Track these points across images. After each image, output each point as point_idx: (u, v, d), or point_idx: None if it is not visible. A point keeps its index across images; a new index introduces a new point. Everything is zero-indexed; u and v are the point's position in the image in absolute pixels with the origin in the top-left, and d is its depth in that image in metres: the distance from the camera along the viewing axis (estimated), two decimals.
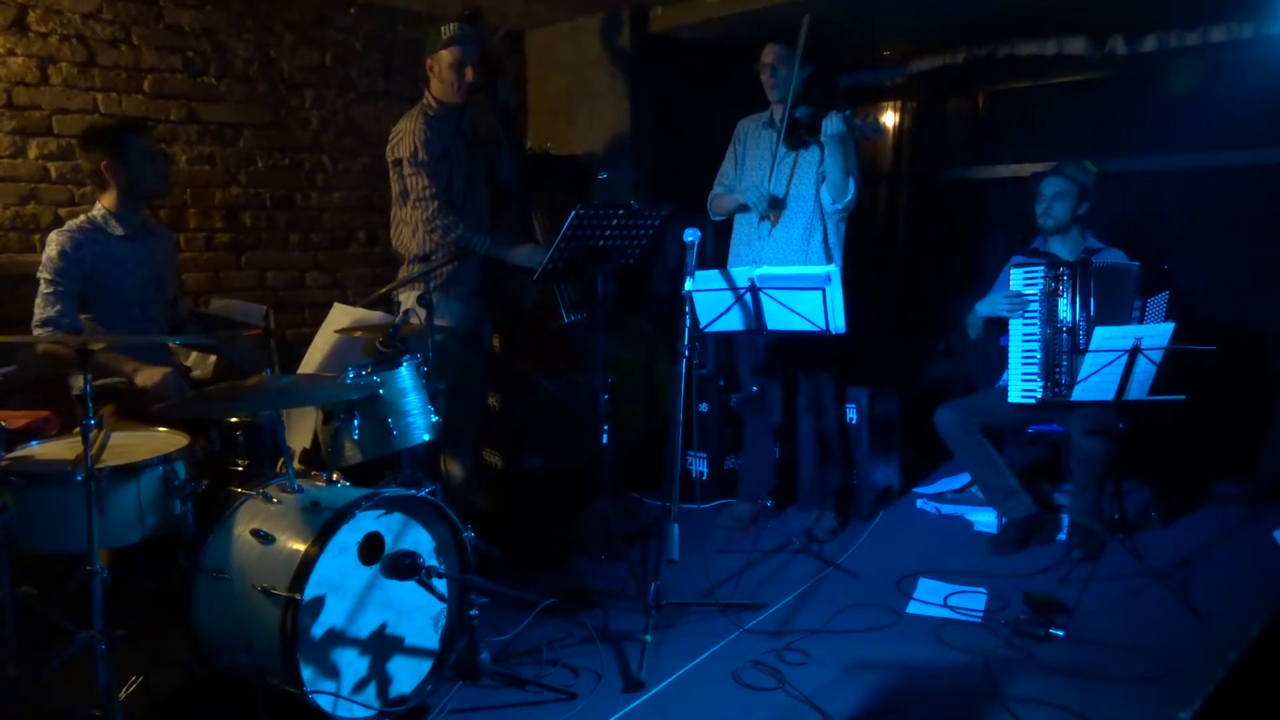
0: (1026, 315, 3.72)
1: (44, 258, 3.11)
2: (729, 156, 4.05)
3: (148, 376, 3.06)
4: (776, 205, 3.84)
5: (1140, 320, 3.60)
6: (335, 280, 4.73)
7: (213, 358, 3.53)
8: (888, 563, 3.68)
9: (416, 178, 3.61)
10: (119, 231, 3.22)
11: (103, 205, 3.23)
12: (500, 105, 4.11)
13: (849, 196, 3.74)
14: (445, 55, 3.65)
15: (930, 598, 3.34)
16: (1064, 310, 3.68)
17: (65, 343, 2.68)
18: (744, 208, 3.92)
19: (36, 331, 3.03)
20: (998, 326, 3.88)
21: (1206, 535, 3.91)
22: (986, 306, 3.86)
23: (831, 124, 3.57)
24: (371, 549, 2.48)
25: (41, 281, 3.09)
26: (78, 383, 3.18)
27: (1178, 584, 3.36)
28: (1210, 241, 4.85)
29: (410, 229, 3.72)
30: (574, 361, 4.19)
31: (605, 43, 5.02)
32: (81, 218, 3.21)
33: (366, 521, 2.48)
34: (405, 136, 3.63)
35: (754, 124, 3.99)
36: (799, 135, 3.74)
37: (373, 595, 2.49)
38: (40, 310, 3.07)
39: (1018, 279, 3.76)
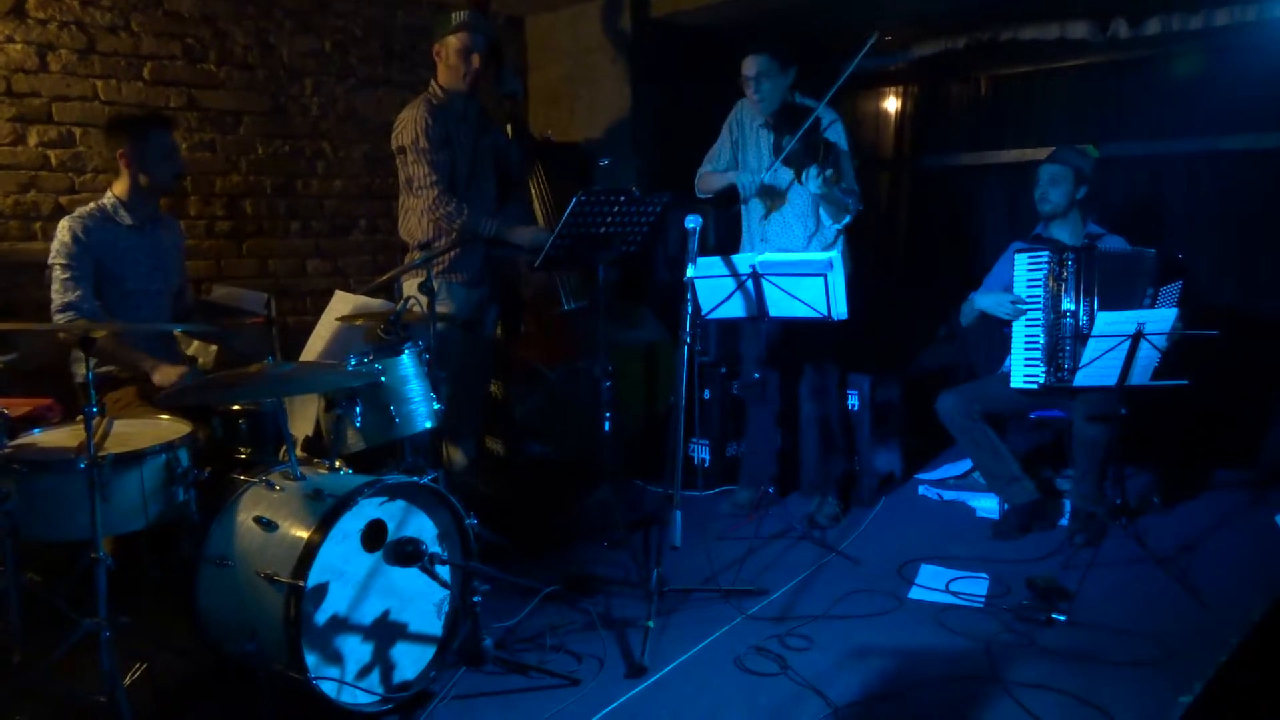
0: (1029, 302, 3.71)
1: (55, 244, 3.10)
2: (724, 138, 4.00)
3: (165, 376, 3.07)
4: (775, 195, 3.83)
5: (1152, 308, 3.58)
6: (336, 268, 4.73)
7: (215, 346, 3.53)
8: (889, 548, 3.68)
9: (418, 165, 3.62)
10: (128, 221, 3.22)
11: (113, 194, 3.22)
12: (506, 92, 4.10)
13: (848, 218, 3.76)
14: (453, 41, 3.64)
15: (932, 583, 3.34)
16: (1067, 296, 3.67)
17: (68, 330, 2.66)
18: (737, 194, 3.90)
19: (57, 318, 3.01)
20: None
21: (1208, 520, 3.91)
22: (988, 302, 3.83)
23: (812, 184, 3.58)
24: (374, 536, 2.49)
25: (56, 268, 3.07)
26: (80, 370, 3.18)
27: (1179, 569, 3.36)
28: (1213, 226, 4.82)
29: (416, 216, 3.73)
30: (575, 349, 4.19)
31: (606, 28, 5.00)
32: (92, 205, 3.20)
33: (369, 509, 2.49)
34: (407, 125, 3.63)
35: (753, 114, 3.94)
36: (790, 163, 3.72)
37: (376, 582, 2.50)
38: (60, 296, 3.05)
39: (1021, 265, 3.74)
